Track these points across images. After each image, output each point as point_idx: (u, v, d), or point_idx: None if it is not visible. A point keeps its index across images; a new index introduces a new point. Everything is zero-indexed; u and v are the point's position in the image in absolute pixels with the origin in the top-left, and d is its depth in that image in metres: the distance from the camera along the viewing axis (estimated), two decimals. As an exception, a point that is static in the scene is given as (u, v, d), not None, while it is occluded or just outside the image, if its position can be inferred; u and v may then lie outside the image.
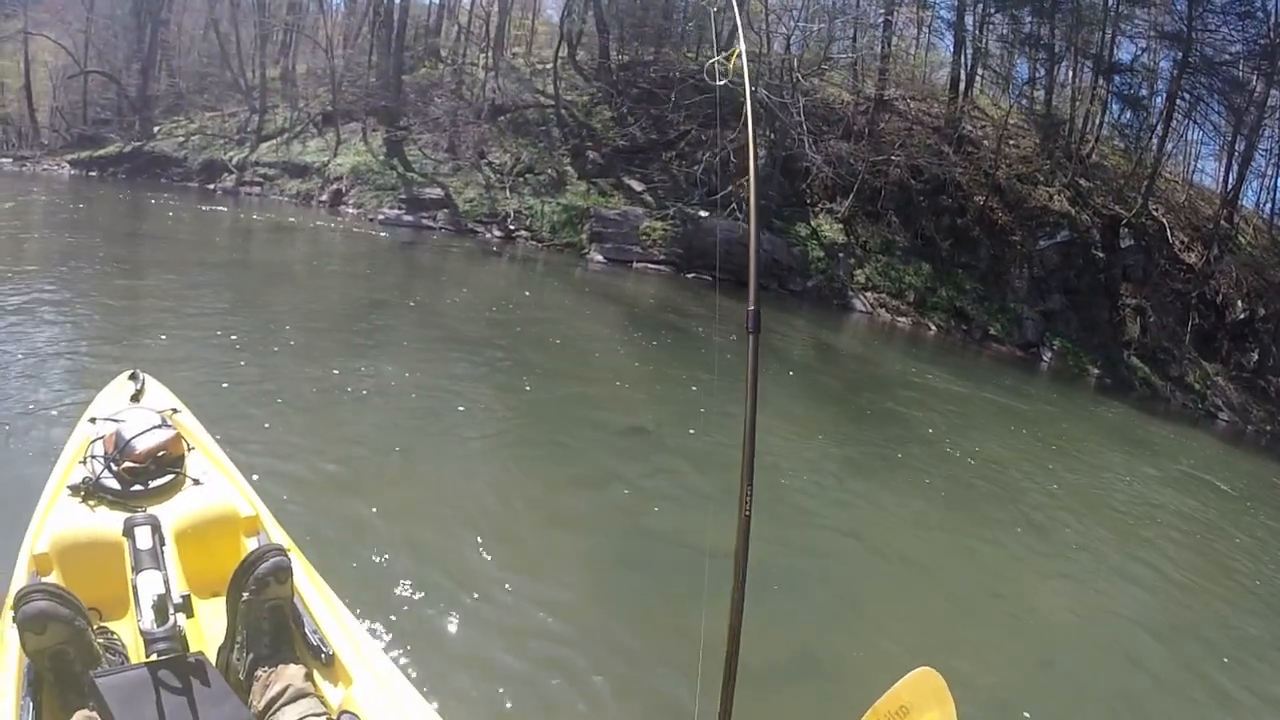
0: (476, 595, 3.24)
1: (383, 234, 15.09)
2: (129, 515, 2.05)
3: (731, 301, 13.14)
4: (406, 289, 11.00)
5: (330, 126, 19.21)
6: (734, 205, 17.09)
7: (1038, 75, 22.75)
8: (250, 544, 2.30)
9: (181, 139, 20.20)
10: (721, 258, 16.49)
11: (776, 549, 4.13)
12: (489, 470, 4.81)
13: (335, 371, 6.48)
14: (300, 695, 1.73)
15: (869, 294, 17.24)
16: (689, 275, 16.14)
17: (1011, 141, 20.38)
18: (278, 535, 2.38)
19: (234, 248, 13.48)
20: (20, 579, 2.06)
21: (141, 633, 1.67)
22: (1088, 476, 7.30)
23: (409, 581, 3.23)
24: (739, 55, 1.69)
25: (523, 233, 16.29)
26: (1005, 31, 23.22)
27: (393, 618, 2.96)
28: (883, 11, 21.79)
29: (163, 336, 7.00)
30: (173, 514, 2.26)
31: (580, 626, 3.16)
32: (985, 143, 20.16)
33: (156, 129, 21.55)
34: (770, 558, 3.92)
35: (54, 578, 2.06)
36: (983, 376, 11.46)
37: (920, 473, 6.18)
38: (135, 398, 3.11)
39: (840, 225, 18.63)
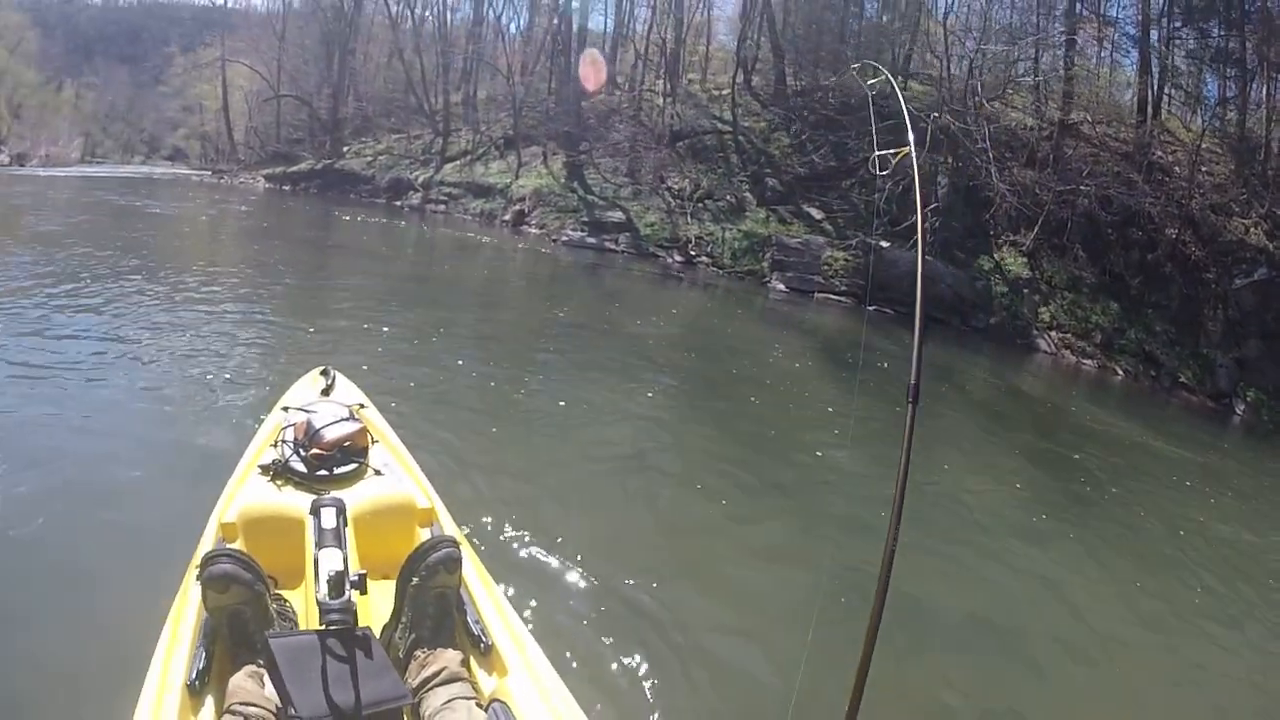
0: (638, 608, 3.27)
1: (566, 255, 15.01)
2: (316, 496, 2.11)
3: (906, 337, 12.30)
4: (591, 309, 10.74)
5: (511, 150, 19.39)
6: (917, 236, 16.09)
7: (1229, 94, 20.17)
8: (424, 534, 2.42)
9: (369, 158, 20.97)
10: (905, 291, 15.15)
11: (945, 593, 4.08)
12: (665, 491, 4.82)
13: (518, 384, 6.50)
14: (454, 679, 1.78)
15: (1054, 333, 15.59)
16: (871, 308, 15.00)
17: (1204, 168, 18.01)
18: (450, 529, 2.48)
19: (421, 260, 13.75)
20: (208, 543, 2.23)
21: (317, 603, 1.70)
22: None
23: (573, 586, 3.33)
24: (908, 153, 1.60)
25: (703, 259, 15.66)
26: (1194, 46, 20.72)
27: (552, 616, 3.03)
28: (1063, 30, 19.97)
29: (353, 338, 7.21)
30: (354, 499, 2.35)
31: (739, 653, 3.14)
32: (1176, 169, 18.00)
33: (345, 148, 22.58)
34: (937, 601, 3.92)
35: (238, 545, 2.20)
36: (1171, 429, 10.16)
37: (1101, 532, 5.63)
38: (326, 391, 3.31)
39: (1024, 259, 17.06)
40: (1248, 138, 18.95)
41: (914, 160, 1.59)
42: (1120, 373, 14.31)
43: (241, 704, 1.62)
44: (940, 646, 3.63)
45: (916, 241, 1.94)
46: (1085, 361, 14.51)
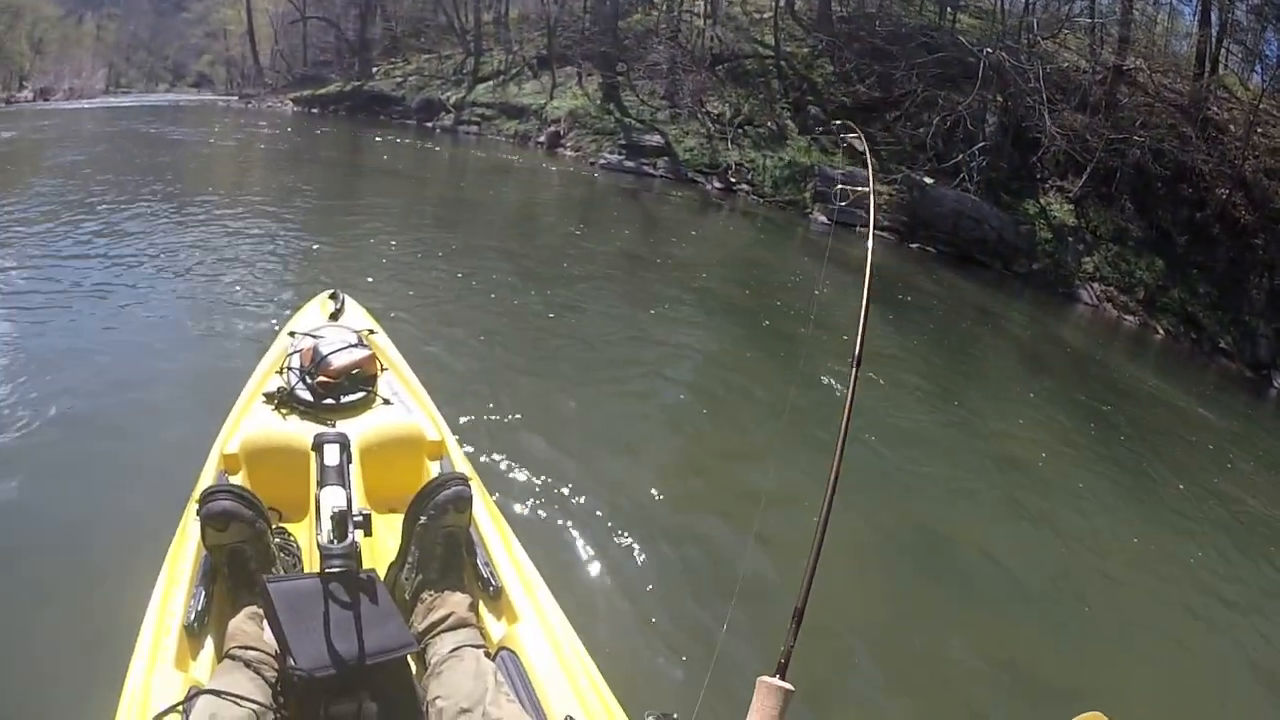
0: (655, 552, 3.13)
1: (603, 178, 14.59)
2: (320, 431, 1.95)
3: (957, 278, 12.24)
4: (625, 235, 10.34)
5: (545, 70, 18.77)
6: (964, 174, 15.66)
7: None
8: (433, 468, 2.34)
9: (399, 79, 20.49)
10: (948, 230, 14.91)
11: (950, 526, 4.03)
12: (696, 428, 4.59)
13: (545, 313, 6.18)
14: (462, 624, 1.71)
15: (1096, 285, 15.03)
16: (913, 245, 14.70)
17: (1260, 129, 16.87)
18: (461, 464, 2.39)
19: (450, 182, 13.46)
20: (209, 475, 2.12)
21: (319, 547, 1.60)
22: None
23: (588, 528, 3.18)
24: (866, 193, 1.70)
25: (744, 186, 15.16)
26: (1257, 1, 19.40)
27: (564, 560, 2.91)
28: (1125, -31, 18.85)
29: (373, 263, 6.97)
30: (360, 430, 2.29)
31: (766, 605, 2.78)
32: (1232, 128, 16.99)
33: (374, 70, 21.99)
34: (972, 548, 3.85)
35: (240, 477, 2.14)
36: (1204, 393, 9.81)
37: (1116, 482, 5.50)
38: (334, 316, 3.17)
39: (1070, 206, 16.35)
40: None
41: (872, 197, 1.59)
42: (1160, 331, 13.84)
43: (241, 647, 1.56)
44: (935, 583, 3.55)
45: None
46: (1126, 317, 14.05)
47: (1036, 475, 5.12)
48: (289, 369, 2.58)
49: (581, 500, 3.36)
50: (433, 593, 1.78)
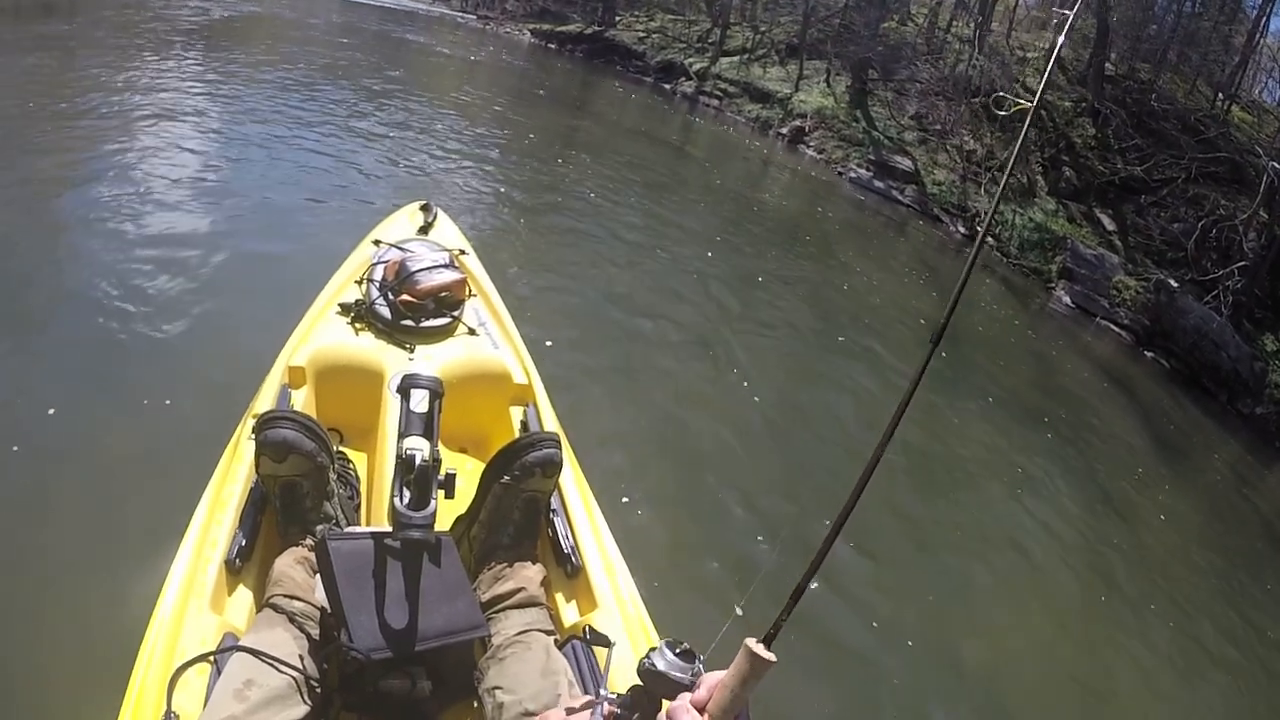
0: (753, 541, 2.99)
1: (849, 191, 14.02)
2: (410, 373, 1.68)
3: (1181, 399, 11.65)
4: (847, 261, 9.78)
5: (793, 59, 17.82)
6: (1219, 291, 14.25)
7: None
8: (515, 414, 2.18)
9: (641, 33, 20.06)
10: (1186, 347, 13.57)
11: None
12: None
13: (727, 309, 5.81)
14: (531, 602, 1.54)
15: None
16: (1148, 353, 13.50)
17: None
18: (549, 415, 2.20)
19: (679, 151, 13.07)
20: (271, 389, 1.96)
21: (395, 510, 1.42)
22: None
23: (682, 507, 3.00)
24: (1029, 108, 1.21)
25: (990, 239, 13.80)
26: None
27: (647, 539, 2.70)
28: None
29: (550, 211, 6.82)
30: (441, 360, 2.14)
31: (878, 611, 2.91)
32: None
33: (617, 19, 21.53)
34: None
35: (304, 393, 2.00)
36: None
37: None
38: (424, 230, 2.98)
39: None
40: None
41: (1028, 117, 1.19)
42: None
43: (286, 595, 1.40)
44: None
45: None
46: None
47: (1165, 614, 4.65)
48: (370, 281, 2.38)
49: (682, 478, 3.15)
50: (503, 561, 1.62)
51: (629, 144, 11.48)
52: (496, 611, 1.53)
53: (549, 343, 3.90)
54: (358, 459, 1.94)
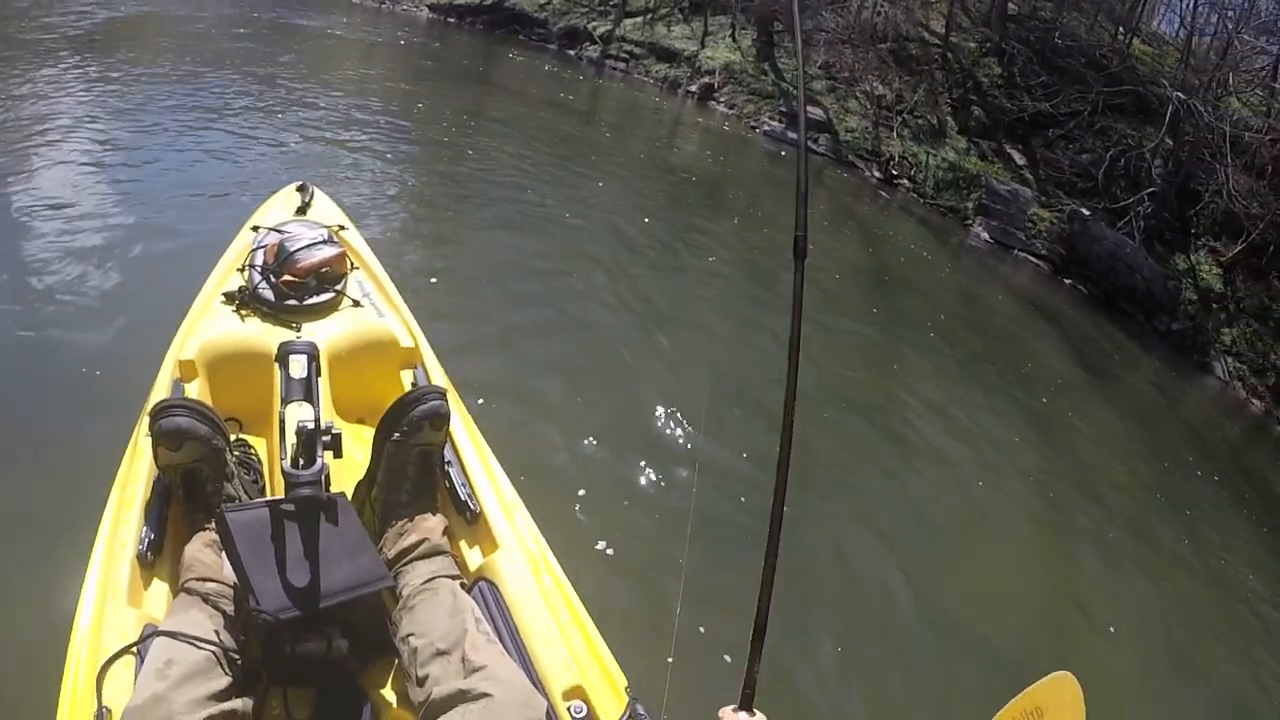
0: (648, 473, 3.02)
1: (764, 145, 13.82)
2: (285, 340, 1.88)
3: (1100, 321, 12.11)
4: (762, 215, 9.60)
5: (697, 16, 17.52)
6: (1131, 218, 14.75)
7: None
8: (405, 377, 2.24)
9: (542, 1, 19.34)
10: (1101, 272, 14.09)
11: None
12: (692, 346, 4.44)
13: (627, 264, 5.67)
14: (435, 551, 1.60)
15: (1229, 359, 14.02)
16: (1066, 280, 13.93)
17: None
18: (437, 374, 2.29)
19: (583, 116, 12.85)
20: (163, 384, 2.00)
21: (284, 472, 1.50)
22: None
23: (569, 452, 3.02)
24: None
25: (905, 181, 14.17)
26: None
27: (544, 486, 2.73)
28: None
29: (463, 184, 6.59)
30: (327, 334, 2.18)
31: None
32: None
33: (516, -14, 20.95)
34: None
35: (197, 385, 2.03)
36: None
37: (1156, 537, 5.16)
38: (302, 210, 2.99)
39: (1220, 271, 15.25)
40: None
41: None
42: None
43: (198, 579, 1.44)
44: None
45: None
46: (1253, 401, 12.99)
47: (1112, 526, 4.86)
48: (251, 266, 2.40)
49: (567, 421, 3.18)
50: (404, 517, 1.66)
51: (531, 111, 11.14)
52: (403, 565, 1.57)
53: (439, 309, 3.90)
54: (258, 444, 1.96)
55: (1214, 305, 14.76)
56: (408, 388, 2.17)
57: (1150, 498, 5.77)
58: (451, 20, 19.62)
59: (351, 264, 2.58)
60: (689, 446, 3.51)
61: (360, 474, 1.78)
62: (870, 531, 3.58)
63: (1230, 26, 17.76)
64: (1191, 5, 18.73)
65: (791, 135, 14.10)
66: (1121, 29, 19.82)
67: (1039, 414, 6.41)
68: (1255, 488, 7.80)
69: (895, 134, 15.09)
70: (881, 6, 18.76)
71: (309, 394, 1.69)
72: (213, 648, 1.29)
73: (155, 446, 1.57)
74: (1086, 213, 14.68)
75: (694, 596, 2.64)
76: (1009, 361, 7.41)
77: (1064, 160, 16.59)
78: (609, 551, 2.68)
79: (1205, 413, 10.96)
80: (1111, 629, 3.72)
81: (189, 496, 1.60)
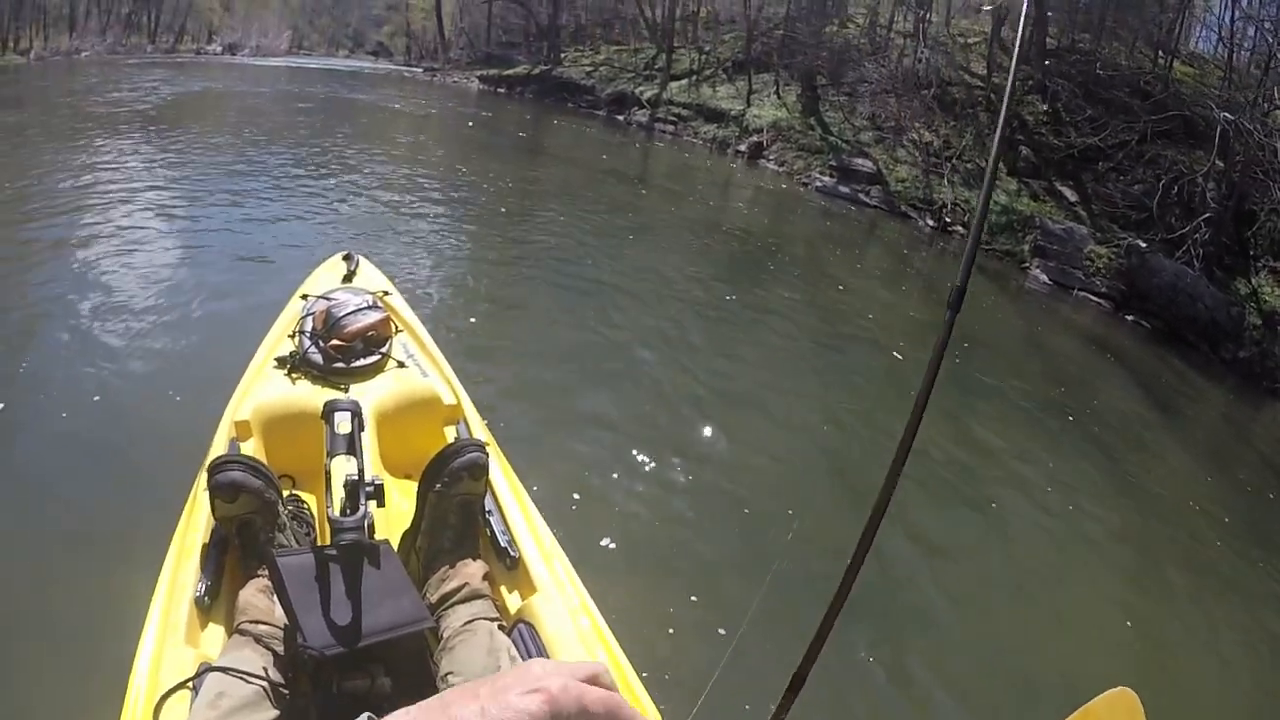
0: (677, 524, 3.14)
1: (817, 200, 14.08)
2: (331, 398, 1.95)
3: (1165, 355, 11.96)
4: (816, 269, 9.87)
5: (741, 75, 17.97)
6: (1188, 247, 14.45)
7: None
8: (449, 433, 2.35)
9: (588, 68, 20.17)
10: (1162, 304, 13.77)
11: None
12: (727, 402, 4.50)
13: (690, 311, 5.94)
14: (476, 595, 1.67)
15: None
16: (1128, 317, 13.69)
17: None
18: (478, 428, 2.38)
19: (637, 182, 13.02)
20: (221, 443, 2.12)
21: (330, 520, 1.58)
22: None
23: (607, 501, 3.19)
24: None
25: (959, 227, 14.10)
26: None
27: (584, 533, 2.86)
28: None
29: (528, 255, 6.82)
30: (374, 394, 2.29)
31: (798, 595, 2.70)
32: None
33: (563, 56, 21.67)
34: None
35: (252, 444, 2.13)
36: None
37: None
38: (348, 278, 3.14)
39: None
40: None
41: (1023, 12, 1.20)
42: None
43: (251, 622, 1.53)
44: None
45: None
46: None
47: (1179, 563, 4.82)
48: (301, 333, 2.54)
49: (604, 474, 3.29)
50: (447, 563, 1.74)
51: (580, 176, 11.48)
52: (445, 609, 1.65)
53: (484, 376, 4.08)
54: (311, 499, 2.06)
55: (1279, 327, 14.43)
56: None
57: (1226, 533, 5.67)
58: (502, 90, 20.40)
59: (396, 327, 2.71)
60: (742, 499, 3.66)
61: (407, 525, 1.87)
62: (943, 583, 3.63)
63: (1270, 40, 17.53)
64: (1229, 20, 18.28)
65: (843, 189, 14.34)
66: (1161, 52, 19.70)
67: (1111, 457, 6.38)
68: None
69: (946, 180, 15.21)
70: (922, 53, 18.98)
71: (352, 448, 1.78)
72: (262, 683, 1.37)
73: (212, 499, 1.69)
74: (1143, 245, 14.48)
75: (740, 652, 2.75)
76: (1076, 405, 7.36)
77: (1116, 193, 16.44)
78: (649, 598, 2.76)
79: (1269, 433, 10.66)
80: (1190, 670, 3.74)
81: (244, 546, 1.71)
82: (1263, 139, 15.04)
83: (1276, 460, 9.17)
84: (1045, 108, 18.42)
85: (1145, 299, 13.85)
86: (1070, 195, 16.29)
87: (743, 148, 16.17)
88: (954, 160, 16.06)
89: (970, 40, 20.29)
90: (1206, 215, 14.96)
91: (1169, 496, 6.02)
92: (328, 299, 2.65)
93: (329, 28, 43.43)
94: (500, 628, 1.62)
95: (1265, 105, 16.67)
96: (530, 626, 1.65)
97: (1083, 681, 3.24)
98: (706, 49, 20.54)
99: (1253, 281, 14.85)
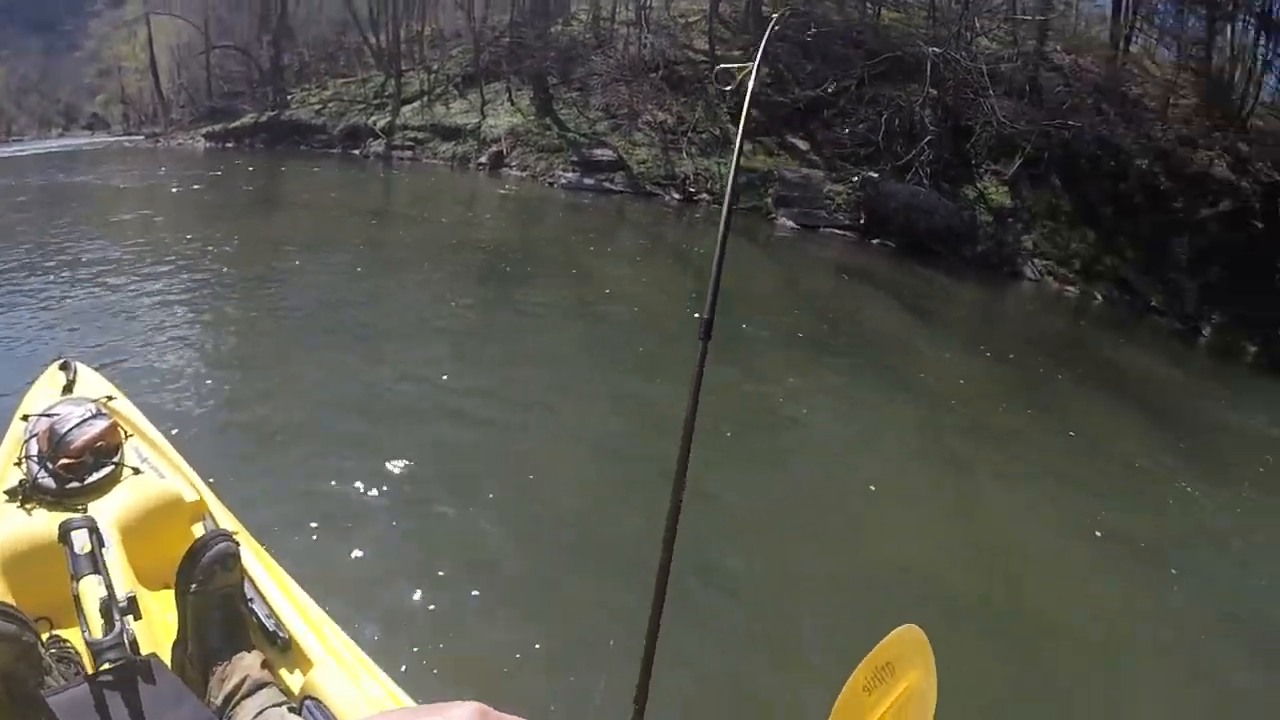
0: (440, 572, 3.13)
1: (564, 197, 14.14)
2: (65, 519, 1.86)
3: (913, 267, 12.80)
4: (570, 264, 9.87)
5: (472, 88, 17.85)
6: (915, 169, 15.99)
7: (1196, 30, 20.15)
8: (197, 530, 2.26)
9: (317, 106, 19.32)
10: (901, 224, 15.18)
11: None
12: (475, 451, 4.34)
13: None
14: (259, 685, 1.65)
15: (1037, 260, 15.65)
16: (873, 241, 14.98)
17: (1173, 101, 18.24)
18: (225, 519, 2.32)
19: (383, 214, 12.63)
20: None
21: (88, 644, 1.53)
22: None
23: (365, 560, 3.15)
24: (749, 70, 1.41)
25: (704, 195, 14.79)
26: None
27: (350, 597, 2.84)
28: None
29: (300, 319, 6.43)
30: (113, 508, 2.18)
31: (548, 610, 3.03)
32: (1146, 101, 18.33)
33: (289, 98, 20.63)
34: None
35: None
36: (1140, 345, 11.13)
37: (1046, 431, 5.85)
38: (67, 389, 2.99)
39: (1006, 189, 16.88)
40: (1213, 75, 19.07)
41: (752, 76, 1.40)
42: (1098, 297, 14.51)
43: None
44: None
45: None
46: (1067, 288, 14.60)
47: (975, 431, 5.38)
48: (27, 458, 2.35)
49: (359, 538, 3.26)
50: (222, 661, 1.69)
51: (320, 221, 10.85)
52: (233, 708, 1.60)
53: (227, 464, 3.71)
54: (72, 636, 1.87)
55: (1009, 219, 16.26)
56: None
57: (1001, 398, 6.40)
58: (230, 145, 19.14)
59: (125, 433, 2.57)
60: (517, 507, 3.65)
61: (175, 634, 1.81)
62: (764, 533, 3.76)
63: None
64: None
65: (588, 181, 14.59)
66: (869, 3, 21.55)
67: (887, 365, 6.85)
68: (1092, 361, 8.71)
69: (684, 154, 15.77)
70: (647, 38, 19.64)
71: (96, 565, 1.71)
72: None
73: None
74: (875, 175, 15.82)
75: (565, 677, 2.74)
76: (846, 329, 7.83)
77: (844, 135, 17.72)
78: (431, 648, 2.75)
79: (1027, 312, 12.05)
80: (997, 509, 4.25)
81: (14, 698, 1.58)
82: (969, 64, 16.93)
83: (1025, 329, 10.34)
84: (768, 70, 19.72)
85: (886, 222, 15.07)
86: (802, 145, 17.35)
87: (484, 159, 16.00)
88: (689, 133, 16.65)
89: (691, 19, 21.06)
90: (928, 139, 16.36)
91: (943, 383, 6.54)
92: (49, 415, 2.46)
93: (38, 107, 38.89)
94: (291, 709, 1.59)
95: (968, 35, 18.55)
96: (317, 701, 1.61)
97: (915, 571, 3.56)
98: (435, 68, 20.19)
99: (979, 186, 16.75)
